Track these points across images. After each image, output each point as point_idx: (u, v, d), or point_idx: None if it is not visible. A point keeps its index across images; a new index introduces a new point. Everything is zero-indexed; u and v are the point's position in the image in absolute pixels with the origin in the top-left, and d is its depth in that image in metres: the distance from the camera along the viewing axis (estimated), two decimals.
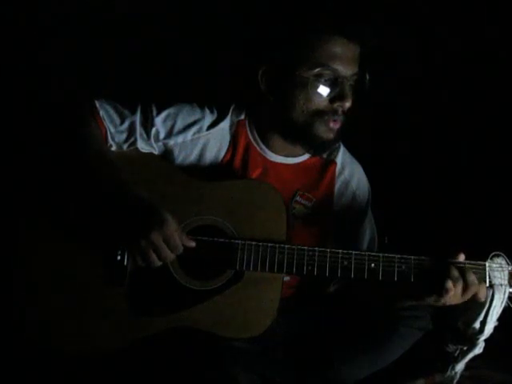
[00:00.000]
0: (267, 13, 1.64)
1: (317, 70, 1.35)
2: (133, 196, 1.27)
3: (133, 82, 1.87)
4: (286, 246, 1.32)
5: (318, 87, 1.36)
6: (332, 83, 1.36)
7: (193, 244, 1.29)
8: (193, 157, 1.44)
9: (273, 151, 1.48)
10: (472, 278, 1.27)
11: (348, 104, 1.37)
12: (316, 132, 1.39)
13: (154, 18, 1.93)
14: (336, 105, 1.37)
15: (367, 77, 1.39)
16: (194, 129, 1.43)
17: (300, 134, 1.42)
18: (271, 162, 1.48)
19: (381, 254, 1.31)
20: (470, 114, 1.96)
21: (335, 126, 1.40)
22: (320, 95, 1.37)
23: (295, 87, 1.37)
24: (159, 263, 1.26)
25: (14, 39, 1.89)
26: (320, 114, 1.38)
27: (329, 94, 1.37)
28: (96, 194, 1.29)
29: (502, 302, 1.32)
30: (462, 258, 1.30)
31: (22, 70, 1.88)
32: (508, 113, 1.92)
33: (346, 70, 1.36)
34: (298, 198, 1.48)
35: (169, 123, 1.42)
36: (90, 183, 1.30)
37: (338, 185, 1.53)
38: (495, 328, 1.35)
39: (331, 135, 1.41)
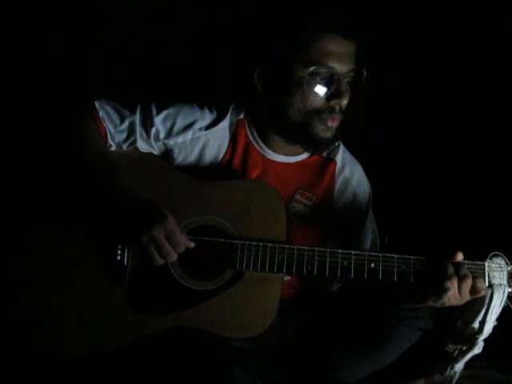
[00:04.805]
0: (261, 12, 1.64)
1: (312, 68, 1.34)
2: (132, 195, 1.27)
3: (132, 82, 1.88)
4: (286, 246, 1.32)
5: (314, 86, 1.35)
6: (328, 81, 1.36)
7: (192, 245, 1.29)
8: (193, 156, 1.44)
9: (272, 150, 1.48)
10: (465, 271, 1.27)
11: (345, 101, 1.37)
12: (314, 131, 1.39)
13: (152, 19, 1.93)
14: (333, 102, 1.37)
15: (364, 73, 1.39)
16: (194, 129, 1.43)
17: (298, 133, 1.41)
18: (271, 160, 1.48)
19: (380, 254, 1.31)
20: (470, 114, 1.96)
21: (333, 124, 1.39)
22: (316, 93, 1.36)
23: (291, 87, 1.37)
24: (161, 261, 1.26)
25: (14, 40, 1.90)
26: (317, 112, 1.37)
27: (325, 92, 1.37)
28: (95, 194, 1.30)
29: (501, 302, 1.32)
30: (459, 257, 1.29)
31: (22, 71, 1.89)
32: (508, 112, 1.92)
33: (341, 67, 1.35)
34: (297, 197, 1.48)
35: (168, 123, 1.42)
36: (89, 183, 1.30)
37: (338, 183, 1.52)
38: (494, 328, 1.35)
39: (329, 134, 1.40)
